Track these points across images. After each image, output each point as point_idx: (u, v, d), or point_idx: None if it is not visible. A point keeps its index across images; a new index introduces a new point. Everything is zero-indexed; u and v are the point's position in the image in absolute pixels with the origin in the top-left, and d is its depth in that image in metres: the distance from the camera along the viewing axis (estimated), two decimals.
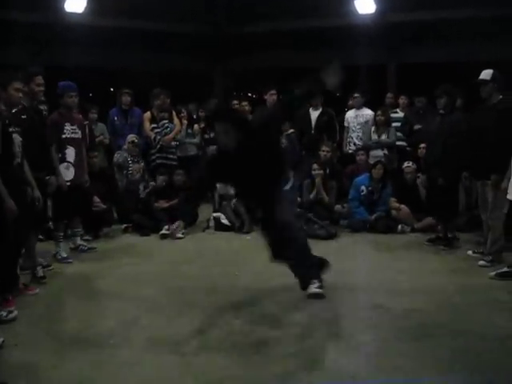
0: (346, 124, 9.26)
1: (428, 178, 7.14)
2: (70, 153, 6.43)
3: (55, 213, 6.65)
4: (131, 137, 8.55)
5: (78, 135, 6.55)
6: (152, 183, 8.34)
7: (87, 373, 3.62)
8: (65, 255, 6.40)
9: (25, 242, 5.28)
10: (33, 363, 3.76)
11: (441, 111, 6.81)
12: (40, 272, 5.65)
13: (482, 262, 5.99)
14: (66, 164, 6.36)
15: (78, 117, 6.75)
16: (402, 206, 7.84)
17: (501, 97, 5.97)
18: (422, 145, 7.88)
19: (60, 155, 6.35)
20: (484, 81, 5.98)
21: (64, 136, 6.39)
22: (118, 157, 8.53)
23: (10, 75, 5.18)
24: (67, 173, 6.35)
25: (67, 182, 6.30)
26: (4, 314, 4.48)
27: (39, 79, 5.71)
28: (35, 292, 5.20)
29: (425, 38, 12.02)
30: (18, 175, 4.87)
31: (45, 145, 5.88)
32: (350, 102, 9.42)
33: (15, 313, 4.54)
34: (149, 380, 3.54)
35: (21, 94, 5.15)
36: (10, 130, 4.81)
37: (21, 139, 4.97)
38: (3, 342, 3.99)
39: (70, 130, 6.45)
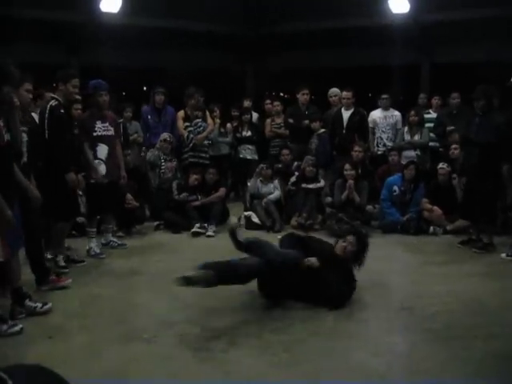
0: (371, 124, 9.21)
1: (466, 181, 6.99)
2: (102, 150, 6.53)
3: (88, 209, 6.82)
4: (164, 135, 8.64)
5: (111, 132, 6.63)
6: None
7: (120, 367, 3.70)
8: (98, 251, 6.53)
9: (44, 233, 5.46)
10: (67, 356, 3.85)
11: (479, 112, 6.66)
12: (61, 261, 5.85)
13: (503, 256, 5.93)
14: (97, 161, 6.47)
15: (110, 114, 6.85)
16: (435, 207, 7.76)
17: None
18: (454, 146, 7.81)
19: (92, 152, 6.47)
20: None
21: (95, 134, 6.49)
22: (150, 155, 8.64)
23: (21, 76, 5.07)
24: (98, 169, 6.46)
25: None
26: (39, 305, 4.59)
27: (76, 81, 5.82)
28: (68, 282, 5.31)
29: (458, 37, 11.90)
30: (24, 174, 4.78)
31: (74, 144, 6.02)
32: (382, 99, 9.36)
33: (49, 305, 4.65)
34: (180, 375, 3.61)
35: (31, 95, 5.19)
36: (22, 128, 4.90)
37: (27, 138, 5.07)
38: (21, 329, 4.15)
39: (101, 128, 6.54)
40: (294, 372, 3.64)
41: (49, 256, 5.83)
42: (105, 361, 3.79)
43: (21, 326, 4.18)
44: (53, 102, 5.63)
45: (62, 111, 5.65)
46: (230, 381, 3.53)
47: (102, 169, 6.51)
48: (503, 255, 6.30)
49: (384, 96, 9.25)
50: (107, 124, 6.61)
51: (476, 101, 6.64)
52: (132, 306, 4.95)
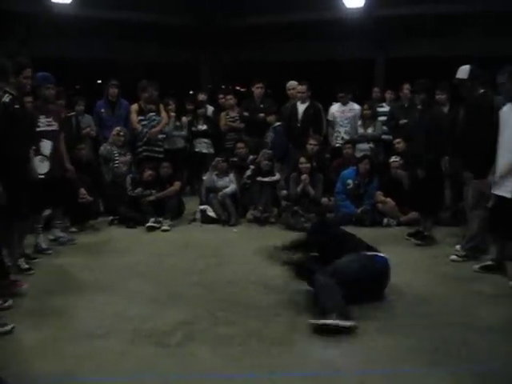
0: (330, 118, 9.29)
1: (410, 172, 7.13)
2: (46, 146, 6.35)
3: (31, 205, 6.61)
4: (117, 128, 8.53)
5: (54, 127, 6.47)
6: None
7: (74, 364, 3.64)
8: (44, 246, 6.39)
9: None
10: (18, 355, 3.78)
11: (419, 107, 6.80)
12: (23, 264, 5.68)
13: (453, 257, 6.04)
14: (40, 157, 6.24)
15: (54, 109, 6.67)
16: (388, 199, 7.88)
17: (482, 91, 5.84)
18: (397, 140, 7.97)
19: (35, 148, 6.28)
20: (461, 80, 5.91)
21: (39, 129, 6.30)
22: (102, 149, 8.52)
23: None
24: (42, 166, 6.22)
25: (42, 174, 6.12)
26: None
27: (28, 72, 5.60)
28: (25, 287, 5.09)
29: (412, 32, 12.09)
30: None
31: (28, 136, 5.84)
32: (340, 97, 9.42)
33: (10, 301, 4.62)
34: (133, 371, 3.57)
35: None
36: None
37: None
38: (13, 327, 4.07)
39: (44, 123, 6.38)
40: (247, 365, 3.65)
41: (9, 263, 5.55)
42: (57, 359, 3.72)
43: (12, 325, 4.10)
44: (6, 98, 5.30)
45: (17, 106, 5.30)
46: (184, 375, 3.52)
47: (46, 165, 6.32)
48: (458, 247, 6.24)
49: (341, 94, 9.32)
50: (51, 119, 6.43)
51: (416, 94, 6.78)
52: (85, 302, 4.86)
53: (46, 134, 6.36)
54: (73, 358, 3.73)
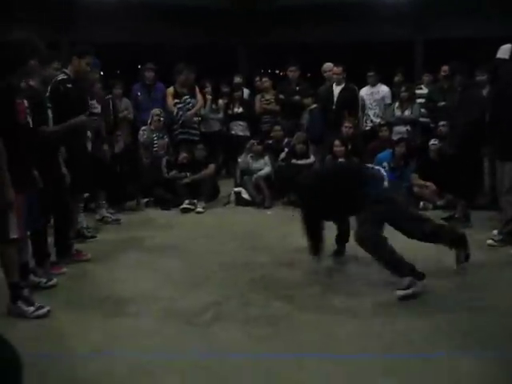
0: (360, 102, 9.19)
1: (450, 156, 6.98)
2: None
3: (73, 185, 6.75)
4: (155, 111, 8.55)
5: (97, 110, 6.64)
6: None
7: (105, 342, 3.72)
8: (85, 225, 6.50)
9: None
10: (52, 333, 3.88)
11: (459, 88, 6.66)
12: (86, 232, 6.16)
13: (490, 241, 5.88)
14: None
15: (98, 92, 6.82)
16: (429, 183, 7.71)
17: None
18: (442, 122, 7.79)
19: None
20: (502, 60, 5.74)
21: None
22: (142, 134, 8.55)
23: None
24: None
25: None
26: (43, 280, 4.68)
27: (89, 58, 5.66)
28: (88, 257, 5.43)
29: (450, 12, 11.78)
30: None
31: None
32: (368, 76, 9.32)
33: (54, 280, 4.74)
34: (162, 349, 3.61)
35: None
36: (48, 105, 5.07)
37: (51, 115, 5.13)
38: (49, 311, 4.13)
39: (91, 106, 6.52)
40: (276, 345, 3.65)
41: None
42: (89, 337, 3.79)
43: (48, 308, 4.14)
44: (60, 76, 5.49)
45: (69, 85, 5.50)
46: (211, 354, 3.54)
47: (88, 145, 6.44)
48: (495, 232, 6.08)
49: (370, 73, 9.23)
50: (94, 101, 6.59)
51: (453, 77, 6.64)
52: (120, 281, 4.94)
53: (92, 116, 6.47)
54: (103, 335, 3.81)
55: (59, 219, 5.35)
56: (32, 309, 4.07)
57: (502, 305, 4.30)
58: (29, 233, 4.65)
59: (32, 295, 4.29)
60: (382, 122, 8.90)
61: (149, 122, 8.55)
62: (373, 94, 9.19)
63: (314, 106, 9.02)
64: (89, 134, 6.38)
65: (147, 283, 4.83)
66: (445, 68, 8.72)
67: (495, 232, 6.07)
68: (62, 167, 5.31)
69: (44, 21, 11.39)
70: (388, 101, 9.17)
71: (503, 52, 5.75)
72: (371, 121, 9.13)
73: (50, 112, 5.12)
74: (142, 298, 4.48)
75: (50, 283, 4.70)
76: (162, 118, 8.51)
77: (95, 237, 6.29)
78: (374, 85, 9.23)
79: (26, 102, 4.19)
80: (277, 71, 16.91)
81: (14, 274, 4.12)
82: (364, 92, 9.26)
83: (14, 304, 4.09)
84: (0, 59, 4.05)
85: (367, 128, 9.14)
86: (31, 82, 4.88)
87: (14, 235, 3.99)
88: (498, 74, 5.94)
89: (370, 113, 9.17)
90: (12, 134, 3.95)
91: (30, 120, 4.23)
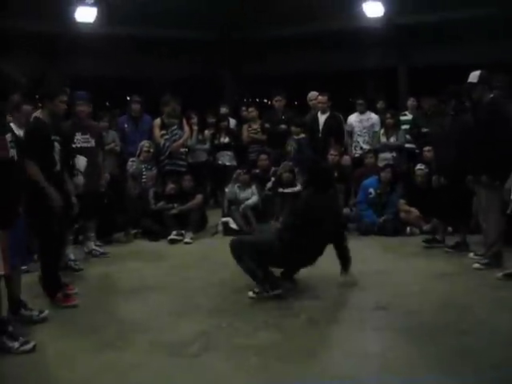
0: (348, 128, 9.29)
1: (436, 180, 7.03)
2: (80, 162, 6.48)
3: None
4: (146, 144, 8.56)
5: (91, 144, 6.69)
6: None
7: (92, 376, 3.69)
8: (72, 257, 6.46)
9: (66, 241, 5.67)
10: (38, 365, 3.86)
11: (451, 112, 6.75)
12: (74, 265, 6.15)
13: (476, 265, 5.95)
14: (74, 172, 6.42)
15: (92, 125, 6.89)
16: (412, 208, 7.80)
17: (491, 96, 5.90)
18: (427, 148, 7.86)
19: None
20: (472, 84, 5.95)
21: (74, 146, 6.49)
22: (130, 165, 8.56)
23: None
24: (76, 181, 6.39)
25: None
26: (35, 313, 4.62)
27: (63, 97, 5.48)
28: (74, 291, 5.33)
29: (434, 40, 12.00)
30: (58, 181, 5.18)
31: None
32: (358, 104, 9.44)
33: (46, 312, 4.68)
34: (151, 382, 3.59)
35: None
36: (52, 138, 5.12)
37: (59, 147, 5.19)
38: (34, 346, 4.06)
39: (81, 140, 6.58)
40: (264, 377, 3.64)
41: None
42: (76, 370, 3.77)
43: (33, 343, 4.07)
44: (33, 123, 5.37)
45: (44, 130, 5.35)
46: None
47: (80, 180, 6.45)
48: (471, 255, 6.30)
49: (359, 101, 9.34)
50: (87, 136, 6.66)
51: (447, 101, 6.74)
52: (106, 313, 4.92)
53: (82, 151, 6.51)
54: (90, 369, 3.77)
55: (48, 252, 5.20)
56: (17, 344, 4.02)
57: (490, 327, 4.32)
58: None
59: (20, 329, 4.27)
60: (368, 149, 8.98)
61: (137, 153, 8.57)
62: (362, 121, 9.30)
63: (303, 135, 9.07)
64: (81, 167, 6.40)
65: (136, 315, 4.81)
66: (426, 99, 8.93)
67: (471, 255, 6.26)
68: (72, 196, 5.41)
69: (31, 54, 11.51)
70: (377, 128, 9.26)
71: (473, 77, 5.98)
72: (361, 148, 9.21)
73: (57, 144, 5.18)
74: (131, 330, 4.46)
75: (42, 315, 4.64)
76: (151, 150, 8.54)
77: (82, 269, 6.25)
78: (363, 112, 9.33)
79: (8, 136, 4.08)
80: (265, 100, 17.03)
81: (1, 309, 4.09)
82: (353, 119, 9.37)
83: None
84: None
85: (356, 155, 9.21)
86: (39, 115, 5.08)
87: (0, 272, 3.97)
88: (472, 98, 6.12)
89: (360, 139, 9.26)
90: None
91: (14, 154, 4.11)
